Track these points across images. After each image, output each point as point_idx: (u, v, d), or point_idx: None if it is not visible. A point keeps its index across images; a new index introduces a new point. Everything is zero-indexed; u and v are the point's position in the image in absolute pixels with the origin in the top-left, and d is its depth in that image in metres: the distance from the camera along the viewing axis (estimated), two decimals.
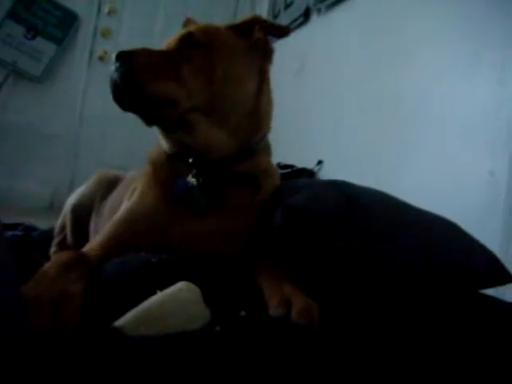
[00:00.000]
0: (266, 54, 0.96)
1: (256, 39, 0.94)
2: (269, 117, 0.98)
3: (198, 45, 0.87)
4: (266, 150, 0.99)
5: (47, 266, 0.63)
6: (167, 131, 0.89)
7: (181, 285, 0.56)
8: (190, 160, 0.88)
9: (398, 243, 0.77)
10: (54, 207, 3.16)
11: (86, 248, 0.83)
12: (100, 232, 0.93)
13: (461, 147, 1.49)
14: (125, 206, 0.94)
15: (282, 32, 0.98)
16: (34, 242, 1.39)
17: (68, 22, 3.19)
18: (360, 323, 0.66)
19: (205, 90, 0.84)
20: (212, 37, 0.89)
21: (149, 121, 0.87)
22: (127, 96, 0.80)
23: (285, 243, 0.83)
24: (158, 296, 0.54)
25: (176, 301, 0.53)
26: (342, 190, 0.86)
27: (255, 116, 0.92)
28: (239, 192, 0.90)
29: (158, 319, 0.50)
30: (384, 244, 0.77)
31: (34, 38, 3.09)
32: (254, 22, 0.95)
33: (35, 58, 3.09)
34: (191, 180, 0.87)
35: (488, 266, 0.85)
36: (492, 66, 1.42)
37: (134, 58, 0.79)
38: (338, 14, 2.37)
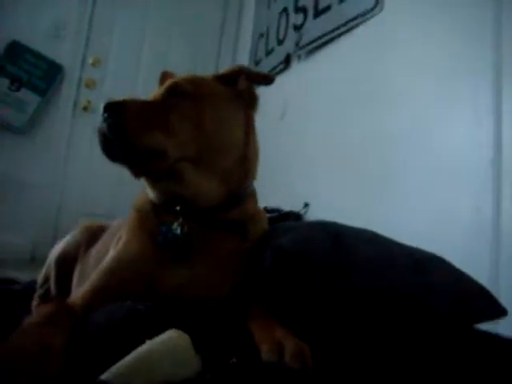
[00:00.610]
0: (251, 102, 0.99)
1: (242, 88, 0.96)
2: (256, 164, 0.99)
3: (185, 94, 0.88)
4: (253, 195, 1.00)
5: (28, 319, 0.61)
6: (154, 180, 0.89)
7: (170, 333, 0.54)
8: (178, 208, 0.87)
9: (386, 282, 0.76)
10: (36, 259, 3.07)
11: (71, 298, 0.80)
12: (85, 282, 0.90)
13: (447, 184, 1.51)
14: (110, 254, 0.92)
15: (267, 80, 1.00)
16: (14, 296, 1.34)
17: (52, 73, 3.24)
18: (352, 363, 0.64)
19: (194, 139, 0.85)
20: (199, 86, 0.91)
21: (137, 172, 0.86)
22: (115, 147, 0.79)
23: (273, 285, 0.81)
24: (147, 345, 0.52)
25: (165, 349, 0.51)
26: (329, 230, 0.86)
27: (244, 163, 0.93)
28: (226, 239, 0.89)
29: (148, 369, 0.48)
30: (371, 283, 0.76)
31: (18, 89, 3.11)
32: (239, 72, 0.97)
33: (19, 109, 3.10)
34: (175, 228, 0.85)
35: (481, 301, 0.84)
36: (469, 106, 1.47)
37: (122, 108, 0.79)
38: (319, 59, 2.46)
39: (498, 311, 0.83)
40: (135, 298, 0.75)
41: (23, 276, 2.00)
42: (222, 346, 0.62)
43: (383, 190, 1.82)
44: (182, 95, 0.88)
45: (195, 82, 0.91)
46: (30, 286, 1.42)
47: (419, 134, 1.67)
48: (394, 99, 1.84)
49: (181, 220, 0.86)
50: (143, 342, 0.52)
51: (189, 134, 0.84)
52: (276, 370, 0.54)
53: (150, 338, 0.53)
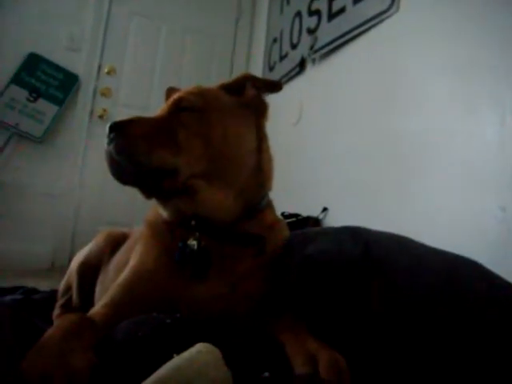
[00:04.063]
0: (261, 111, 0.95)
1: (249, 97, 0.93)
2: (271, 173, 0.96)
3: (192, 108, 0.85)
4: (270, 205, 0.96)
5: (49, 333, 0.58)
6: (165, 200, 0.86)
7: (199, 347, 0.52)
8: (193, 223, 0.84)
9: (421, 291, 0.73)
10: (55, 267, 3.10)
11: (92, 311, 0.78)
12: (106, 293, 0.88)
13: (469, 185, 1.46)
14: (127, 268, 0.90)
15: (274, 87, 0.96)
16: (35, 306, 1.34)
17: (69, 83, 3.28)
18: (389, 375, 0.62)
19: (204, 154, 0.82)
20: (205, 99, 0.88)
21: (149, 193, 0.84)
22: (124, 169, 0.77)
23: (302, 295, 0.79)
24: (175, 361, 0.49)
25: (195, 365, 0.48)
26: (359, 237, 0.83)
27: (259, 174, 0.90)
28: (245, 252, 0.86)
29: None
30: (405, 292, 0.73)
31: (36, 100, 3.16)
32: (246, 80, 0.94)
33: (37, 119, 3.15)
34: (192, 243, 0.83)
35: None
36: (491, 105, 1.43)
37: (127, 128, 0.77)
38: (333, 62, 2.43)
39: None
40: (154, 310, 0.73)
41: (43, 283, 2.02)
42: (253, 360, 0.60)
43: (402, 193, 1.78)
44: (189, 109, 0.85)
45: (201, 95, 0.89)
46: (51, 296, 1.41)
47: (439, 135, 1.63)
48: (412, 101, 1.80)
49: (197, 235, 0.83)
50: (171, 356, 0.50)
51: (199, 150, 0.82)
52: (311, 383, 0.52)
53: (179, 352, 0.51)
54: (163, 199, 0.86)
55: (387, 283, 0.75)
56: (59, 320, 0.96)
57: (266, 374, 0.55)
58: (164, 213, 0.89)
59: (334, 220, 2.20)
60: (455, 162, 1.53)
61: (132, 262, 0.90)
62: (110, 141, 0.76)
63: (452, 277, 0.74)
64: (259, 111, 0.94)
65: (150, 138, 0.78)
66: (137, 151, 0.75)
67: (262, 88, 0.95)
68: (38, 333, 0.59)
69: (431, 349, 0.67)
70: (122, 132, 0.76)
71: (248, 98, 0.93)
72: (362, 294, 0.75)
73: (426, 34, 1.78)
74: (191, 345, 0.53)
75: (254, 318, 0.80)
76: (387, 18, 1.99)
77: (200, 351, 0.51)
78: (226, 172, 0.85)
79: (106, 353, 0.57)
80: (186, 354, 0.51)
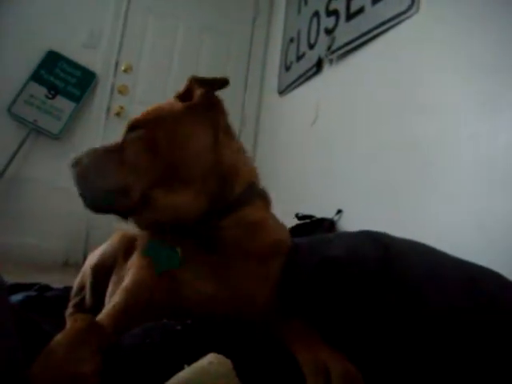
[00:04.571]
0: (213, 106, 0.95)
1: (197, 96, 0.94)
2: (241, 165, 0.94)
3: (140, 126, 0.89)
4: (256, 200, 0.94)
5: (57, 338, 0.58)
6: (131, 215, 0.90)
7: (210, 358, 0.51)
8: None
9: (445, 301, 0.71)
10: (69, 263, 3.13)
11: (98, 317, 0.79)
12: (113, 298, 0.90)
13: (486, 188, 1.43)
14: (130, 272, 0.92)
15: (219, 83, 0.96)
16: (48, 304, 1.35)
17: (87, 80, 3.31)
18: None
19: (152, 166, 0.85)
20: (153, 113, 0.91)
21: (119, 215, 0.88)
22: (85, 195, 0.84)
23: (317, 296, 0.77)
24: (186, 372, 0.49)
25: (206, 376, 0.47)
26: (378, 241, 0.81)
27: (219, 168, 0.89)
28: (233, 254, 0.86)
29: None
30: (428, 301, 0.71)
31: (54, 97, 3.19)
32: (191, 83, 0.96)
33: (55, 116, 3.18)
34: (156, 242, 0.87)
35: None
36: None
37: (80, 159, 0.84)
38: (351, 62, 2.40)
39: None
40: (159, 317, 0.73)
41: (57, 277, 2.04)
42: (265, 371, 0.58)
43: (421, 196, 1.75)
44: (136, 128, 0.89)
45: (151, 111, 0.93)
46: (64, 293, 1.42)
47: (460, 137, 1.59)
48: (431, 102, 1.77)
49: (169, 237, 0.86)
50: (181, 365, 0.49)
51: (146, 164, 0.85)
52: None
53: (189, 360, 0.50)
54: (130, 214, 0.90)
55: (409, 291, 0.73)
56: (69, 322, 0.97)
57: None
58: (134, 227, 0.92)
59: (348, 222, 2.17)
60: (478, 164, 1.50)
61: (133, 268, 0.92)
62: (72, 177, 0.85)
63: (475, 287, 0.72)
64: (211, 108, 0.95)
65: (99, 165, 0.84)
66: (85, 180, 0.83)
67: (207, 86, 0.95)
68: (45, 337, 0.59)
69: (454, 361, 0.65)
70: (75, 164, 0.84)
71: (196, 98, 0.94)
72: (381, 301, 0.73)
73: (446, 35, 1.74)
74: (202, 353, 0.52)
75: (260, 321, 0.79)
76: (407, 18, 1.95)
77: (211, 362, 0.50)
78: (177, 176, 0.86)
79: (115, 360, 0.56)
80: (196, 366, 0.50)
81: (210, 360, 0.50)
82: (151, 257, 0.86)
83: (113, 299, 0.86)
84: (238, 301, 0.82)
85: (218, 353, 0.52)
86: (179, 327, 0.62)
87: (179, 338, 0.59)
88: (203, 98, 0.94)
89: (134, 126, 0.90)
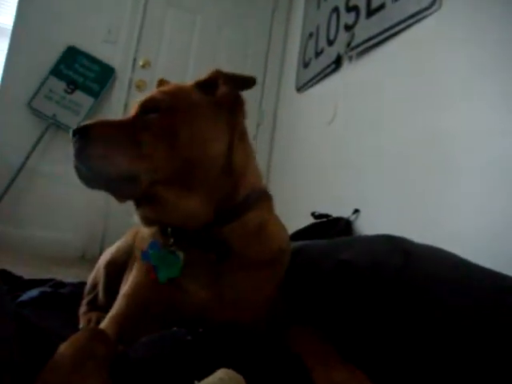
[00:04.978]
0: (236, 108, 0.89)
1: (221, 95, 0.87)
2: (249, 171, 0.89)
3: (158, 109, 0.81)
4: (259, 206, 0.89)
5: (61, 350, 0.56)
6: (136, 205, 0.84)
7: (221, 373, 0.49)
8: (169, 229, 0.82)
9: (470, 310, 0.68)
10: (86, 257, 3.16)
11: (101, 324, 0.77)
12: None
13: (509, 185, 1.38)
14: (131, 277, 0.90)
15: (247, 83, 0.90)
16: (62, 300, 1.35)
17: (105, 75, 3.32)
18: None
19: (168, 159, 0.78)
20: (175, 98, 0.83)
21: (118, 198, 0.82)
22: (84, 173, 0.75)
23: (334, 300, 0.75)
24: None
25: None
26: (397, 245, 0.79)
27: (230, 174, 0.84)
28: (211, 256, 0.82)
29: None
30: (451, 310, 0.68)
31: (73, 92, 3.22)
32: (217, 77, 0.88)
33: (74, 111, 3.21)
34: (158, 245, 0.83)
35: None
36: None
37: (87, 132, 0.74)
38: (371, 59, 2.36)
39: None
40: (161, 323, 0.71)
41: (74, 271, 2.06)
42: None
43: (439, 195, 1.70)
44: (155, 110, 0.81)
45: (171, 94, 0.84)
46: (78, 290, 1.42)
47: (481, 134, 1.54)
48: (452, 100, 1.72)
49: (172, 241, 0.81)
50: (192, 380, 0.48)
51: (162, 155, 0.77)
52: None
53: (200, 373, 0.49)
54: (135, 204, 0.84)
55: (431, 298, 0.71)
56: (82, 321, 0.96)
57: None
58: (135, 218, 0.86)
59: (365, 222, 2.14)
60: (500, 161, 1.45)
61: (134, 272, 0.89)
62: (73, 145, 0.75)
63: (503, 297, 0.69)
64: (234, 108, 0.89)
65: (110, 143, 0.75)
66: (92, 157, 0.73)
67: (234, 84, 0.89)
68: (51, 345, 0.58)
69: (477, 374, 0.63)
70: (82, 136, 0.74)
71: (220, 96, 0.88)
72: (402, 307, 0.71)
73: (468, 31, 1.69)
74: (213, 365, 0.51)
75: (267, 329, 0.77)
76: (429, 15, 1.90)
77: (222, 379, 0.48)
78: (191, 177, 0.80)
79: (122, 374, 0.54)
80: (207, 382, 0.48)
81: (220, 376, 0.48)
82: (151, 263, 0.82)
83: (114, 305, 0.84)
84: (239, 308, 0.80)
85: (230, 365, 0.50)
86: (189, 337, 0.60)
87: (189, 349, 0.58)
88: (228, 97, 0.88)
89: (150, 108, 0.82)
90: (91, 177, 0.76)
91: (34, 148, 3.08)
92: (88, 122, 0.77)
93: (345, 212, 2.23)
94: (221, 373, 0.49)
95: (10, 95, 3.12)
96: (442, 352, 0.67)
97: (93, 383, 0.50)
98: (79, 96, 3.23)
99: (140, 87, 3.48)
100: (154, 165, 0.77)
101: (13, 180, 2.99)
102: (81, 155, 0.74)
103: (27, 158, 3.06)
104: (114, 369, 0.55)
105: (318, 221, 2.28)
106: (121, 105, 3.40)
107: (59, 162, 3.15)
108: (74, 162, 0.75)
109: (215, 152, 0.83)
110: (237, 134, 0.88)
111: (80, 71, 3.25)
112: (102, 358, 0.56)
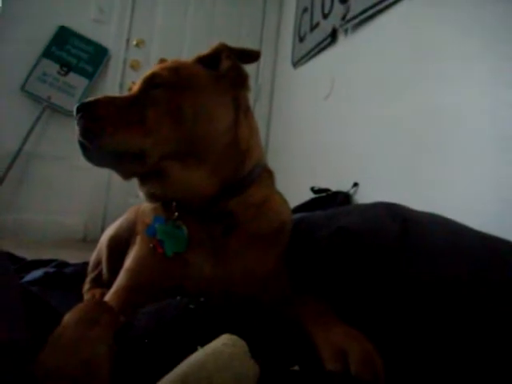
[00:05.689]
0: (239, 82, 0.89)
1: (225, 68, 0.88)
2: (254, 146, 0.90)
3: (162, 85, 0.81)
4: (262, 180, 0.91)
5: (67, 318, 0.57)
6: (142, 181, 0.84)
7: (224, 339, 0.50)
8: (174, 204, 0.83)
9: (464, 278, 0.69)
10: (87, 239, 3.18)
11: (105, 298, 0.79)
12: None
13: (507, 162, 1.39)
14: (132, 251, 0.91)
15: (251, 57, 0.91)
16: (66, 279, 1.37)
17: (99, 56, 3.28)
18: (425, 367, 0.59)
19: (175, 134, 0.78)
20: (179, 74, 0.83)
21: (124, 175, 0.82)
22: (91, 151, 0.75)
23: (332, 266, 0.76)
24: (200, 354, 0.48)
25: (220, 359, 0.47)
26: (396, 213, 0.79)
27: (235, 148, 0.85)
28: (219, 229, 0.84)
29: (202, 382, 0.44)
30: (445, 274, 0.69)
31: (67, 74, 3.18)
32: (221, 51, 0.89)
33: (68, 92, 3.18)
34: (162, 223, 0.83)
35: None
36: None
37: (92, 109, 0.74)
38: (367, 32, 2.32)
39: None
40: (165, 297, 0.72)
41: (75, 254, 2.07)
42: (281, 352, 0.58)
43: (435, 169, 1.71)
44: (159, 86, 0.81)
45: (175, 69, 0.84)
46: (82, 269, 1.44)
47: (479, 109, 1.54)
48: (449, 73, 1.70)
49: (176, 215, 0.82)
50: (195, 345, 0.49)
51: (169, 130, 0.78)
52: (342, 382, 0.49)
53: (203, 339, 0.50)
54: (140, 181, 0.85)
55: (427, 264, 0.72)
56: (86, 298, 0.97)
57: (296, 366, 0.54)
58: (141, 194, 0.87)
59: (365, 195, 2.15)
60: (497, 135, 1.44)
61: (136, 247, 0.90)
62: (77, 122, 0.75)
63: (499, 263, 0.70)
64: (237, 82, 0.89)
65: (115, 118, 0.75)
66: (99, 133, 0.73)
67: (237, 58, 0.89)
68: (54, 316, 0.59)
69: (472, 340, 0.64)
70: (86, 113, 0.74)
71: (223, 70, 0.88)
72: (399, 273, 0.71)
73: (469, 3, 1.66)
74: (215, 332, 0.52)
75: (271, 300, 0.79)
76: None
77: (225, 344, 0.49)
78: (197, 150, 0.81)
79: (127, 341, 0.56)
80: (210, 347, 0.49)
81: (223, 341, 0.49)
82: (156, 238, 0.83)
83: (117, 279, 0.85)
84: (245, 281, 0.81)
85: (232, 333, 0.51)
86: (192, 306, 0.61)
87: (192, 317, 0.59)
88: (232, 72, 0.88)
89: (156, 83, 0.82)
90: (97, 154, 0.76)
91: (30, 131, 3.06)
92: (91, 98, 0.77)
93: (344, 186, 2.24)
94: (224, 338, 0.50)
95: (2, 79, 3.08)
96: (439, 320, 0.68)
97: (98, 349, 0.51)
98: (73, 78, 3.20)
99: (134, 67, 3.44)
100: (161, 140, 0.77)
101: (11, 164, 2.98)
102: (87, 132, 0.74)
103: (24, 141, 3.04)
104: (118, 337, 0.56)
105: (318, 195, 2.29)
106: (116, 85, 3.37)
107: (57, 144, 3.15)
108: (79, 139, 0.75)
109: (221, 126, 0.84)
110: (242, 108, 0.89)
111: (73, 52, 3.21)
112: (106, 326, 0.57)
